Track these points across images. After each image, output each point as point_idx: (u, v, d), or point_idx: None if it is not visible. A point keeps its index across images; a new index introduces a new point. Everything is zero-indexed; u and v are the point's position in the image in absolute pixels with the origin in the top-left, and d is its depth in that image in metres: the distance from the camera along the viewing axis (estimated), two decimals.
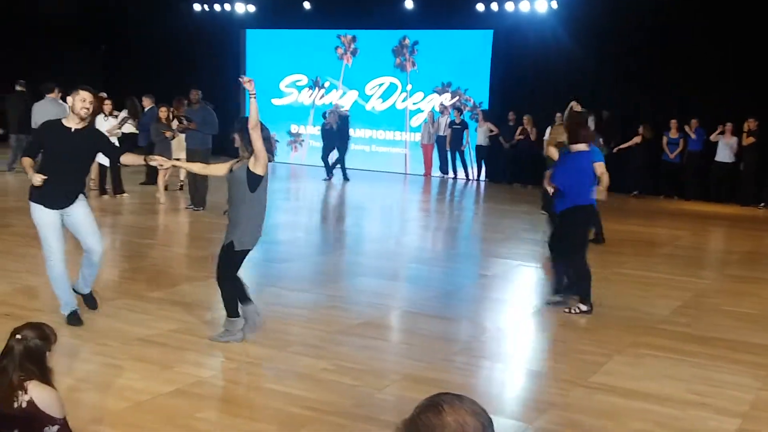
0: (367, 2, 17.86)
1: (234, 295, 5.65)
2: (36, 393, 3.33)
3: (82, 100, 5.63)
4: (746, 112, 14.41)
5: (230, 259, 5.63)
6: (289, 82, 19.61)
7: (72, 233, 5.97)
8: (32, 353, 3.40)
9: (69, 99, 5.74)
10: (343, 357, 5.46)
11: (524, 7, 16.50)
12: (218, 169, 5.87)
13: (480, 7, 16.91)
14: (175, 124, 12.20)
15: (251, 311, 5.69)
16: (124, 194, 12.62)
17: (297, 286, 7.53)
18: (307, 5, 18.35)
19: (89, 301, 6.20)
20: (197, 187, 11.68)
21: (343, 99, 18.60)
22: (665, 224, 12.45)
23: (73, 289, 6.03)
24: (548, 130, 14.64)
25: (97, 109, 12.89)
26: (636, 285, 8.31)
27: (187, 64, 18.91)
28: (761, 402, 4.97)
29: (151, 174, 13.90)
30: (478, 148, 17.24)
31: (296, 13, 18.46)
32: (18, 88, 14.17)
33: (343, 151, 16.59)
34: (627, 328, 6.47)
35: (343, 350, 5.63)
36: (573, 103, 9.27)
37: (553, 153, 9.61)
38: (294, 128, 19.52)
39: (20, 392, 3.32)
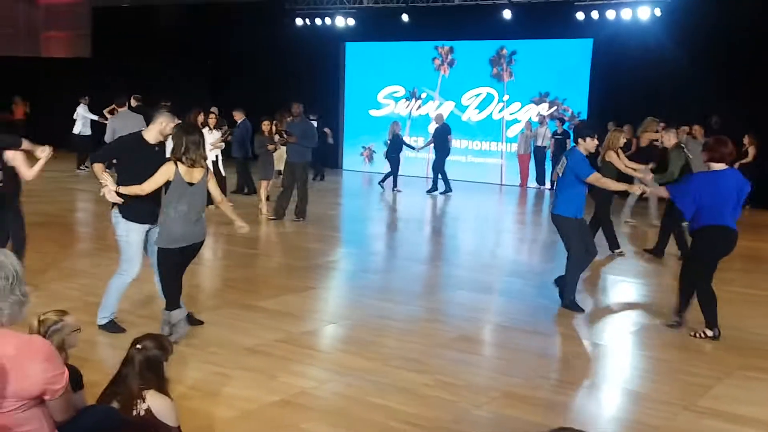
0: (464, 13, 17.88)
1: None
2: (153, 402, 3.52)
3: (172, 128, 5.89)
4: None
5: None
6: (387, 94, 19.83)
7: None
8: (151, 363, 3.59)
9: (161, 120, 5.86)
10: (442, 371, 5.50)
11: (626, 15, 16.14)
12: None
13: (580, 15, 16.64)
14: (277, 137, 12.54)
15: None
16: (229, 204, 13.00)
17: (393, 298, 7.61)
18: (405, 18, 18.52)
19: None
20: (299, 198, 11.95)
21: (440, 109, 18.65)
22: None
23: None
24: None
25: (203, 123, 13.40)
26: (743, 303, 7.99)
27: (289, 77, 19.38)
28: None
29: (252, 184, 14.35)
30: None
31: (394, 26, 18.66)
32: (134, 102, 14.73)
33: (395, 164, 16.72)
34: (735, 350, 6.25)
35: (441, 364, 5.67)
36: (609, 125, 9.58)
37: (614, 158, 9.47)
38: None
39: (139, 401, 3.52)
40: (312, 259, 9.41)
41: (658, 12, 15.73)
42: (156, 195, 5.92)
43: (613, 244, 10.12)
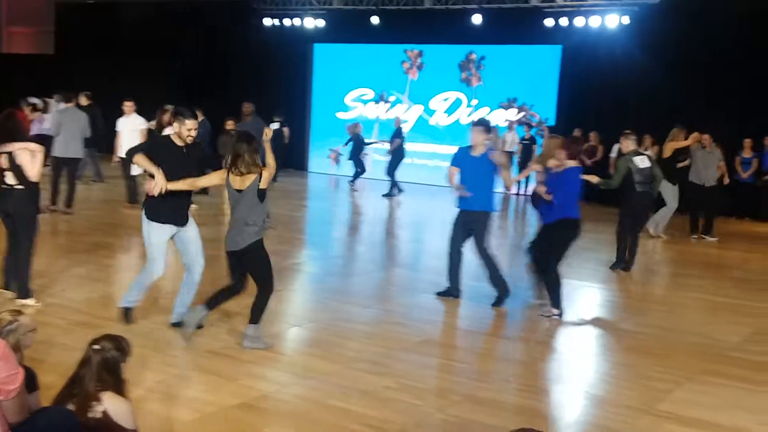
0: (434, 17, 17.92)
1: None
2: (110, 404, 3.44)
3: (188, 129, 5.94)
4: None
5: None
6: (355, 96, 19.79)
7: (180, 250, 6.24)
8: (109, 364, 3.51)
9: (175, 125, 5.99)
10: (405, 375, 5.48)
11: (594, 23, 16.30)
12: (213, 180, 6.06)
13: (549, 22, 16.77)
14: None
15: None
16: (192, 205, 12.87)
17: (357, 301, 7.58)
18: (374, 20, 18.51)
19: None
20: None
21: (408, 113, 18.69)
22: (737, 246, 12.11)
23: (175, 323, 6.19)
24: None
25: (166, 123, 13.26)
26: (706, 309, 8.11)
27: (257, 77, 19.26)
28: None
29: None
30: None
31: (364, 28, 18.62)
32: (85, 101, 14.24)
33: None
34: (696, 355, 6.32)
35: (404, 368, 5.65)
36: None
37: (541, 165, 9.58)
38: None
39: (95, 402, 3.44)
40: (276, 261, 9.20)
41: (626, 20, 15.90)
42: (180, 198, 6.00)
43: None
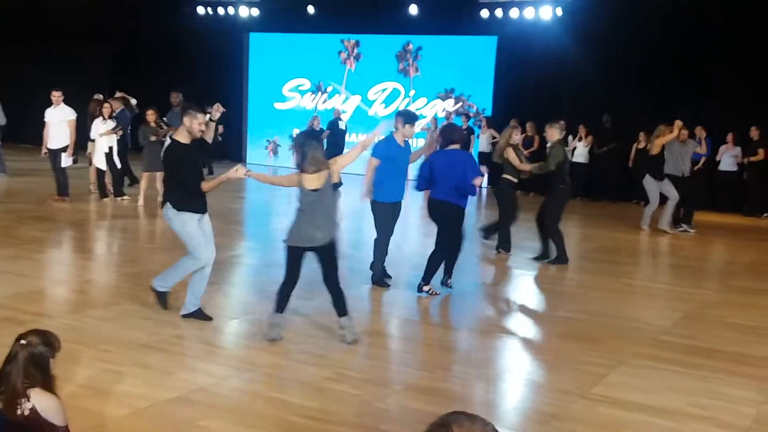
0: (370, 7, 17.89)
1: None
2: (38, 401, 3.32)
3: (199, 123, 6.05)
4: (751, 120, 14.52)
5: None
6: (292, 87, 19.64)
7: None
8: (37, 360, 3.39)
9: (186, 120, 6.01)
10: (345, 366, 5.45)
11: (529, 14, 16.53)
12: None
13: (484, 13, 16.93)
14: (155, 128, 12.18)
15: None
16: (125, 197, 12.62)
17: (297, 293, 7.38)
18: (311, 9, 18.37)
19: (200, 315, 6.30)
20: None
21: (346, 104, 18.62)
22: (669, 234, 12.43)
23: (184, 314, 6.27)
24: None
25: (96, 113, 12.93)
26: (638, 295, 8.30)
27: (191, 67, 18.92)
28: (764, 416, 4.95)
29: (132, 174, 13.96)
30: (481, 155, 17.22)
31: (300, 18, 18.49)
32: None
33: None
34: (629, 339, 6.46)
35: (345, 358, 5.63)
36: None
37: (511, 155, 9.59)
38: (296, 132, 19.53)
39: (23, 399, 3.31)
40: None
41: (559, 11, 16.16)
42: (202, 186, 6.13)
43: (504, 244, 10.02)
